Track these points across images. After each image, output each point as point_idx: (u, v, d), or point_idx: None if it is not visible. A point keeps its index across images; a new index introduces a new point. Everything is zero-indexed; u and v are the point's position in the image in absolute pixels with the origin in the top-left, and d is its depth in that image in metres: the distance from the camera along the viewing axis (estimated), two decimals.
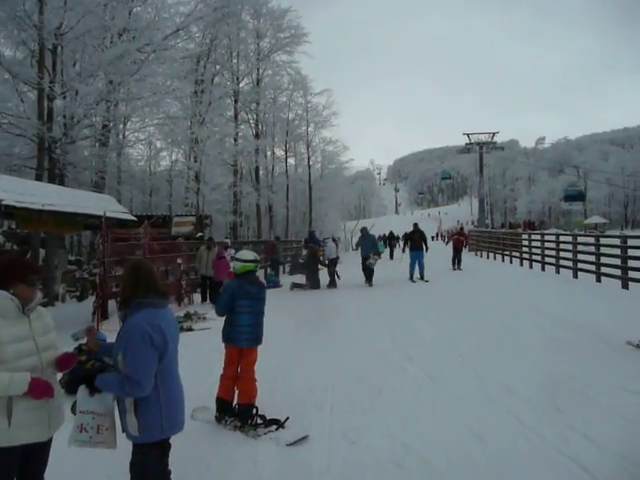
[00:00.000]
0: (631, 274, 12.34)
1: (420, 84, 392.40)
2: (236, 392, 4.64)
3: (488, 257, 27.29)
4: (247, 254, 4.81)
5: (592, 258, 14.68)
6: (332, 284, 15.31)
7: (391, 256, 28.72)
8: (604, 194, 75.27)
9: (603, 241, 15.18)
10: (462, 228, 26.28)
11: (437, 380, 5.58)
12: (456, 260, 19.47)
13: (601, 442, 3.91)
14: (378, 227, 61.01)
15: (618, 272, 12.89)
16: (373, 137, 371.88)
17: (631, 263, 12.46)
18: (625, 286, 12.37)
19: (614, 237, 15.50)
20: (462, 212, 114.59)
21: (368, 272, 15.18)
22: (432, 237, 71.50)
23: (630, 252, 12.65)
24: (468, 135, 51.92)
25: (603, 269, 13.87)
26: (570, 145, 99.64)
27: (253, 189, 30.59)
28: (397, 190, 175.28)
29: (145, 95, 18.98)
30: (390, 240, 32.87)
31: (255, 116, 31.69)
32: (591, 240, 16.11)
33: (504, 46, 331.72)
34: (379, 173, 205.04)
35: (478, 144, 51.09)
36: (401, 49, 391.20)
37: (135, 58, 17.93)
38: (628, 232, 48.38)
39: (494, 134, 51.59)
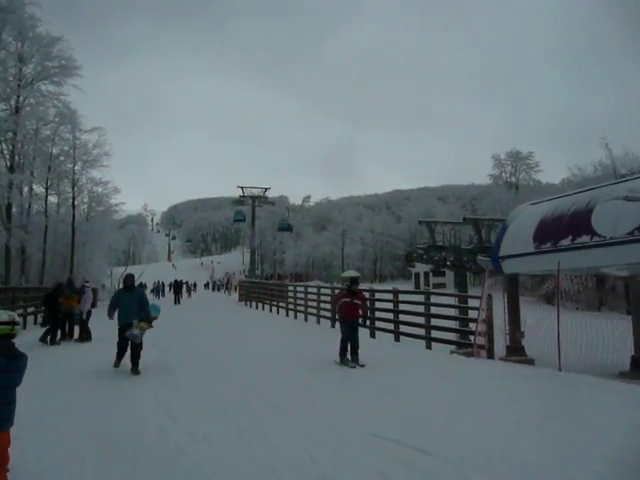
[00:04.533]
0: (377, 324, 14.07)
1: (197, 135, 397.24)
2: None
3: (257, 307, 28.25)
4: (1, 315, 3.93)
5: None
6: (84, 338, 13.83)
7: (177, 301, 34.63)
8: (358, 250, 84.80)
9: None
10: (355, 282, 10.82)
11: (199, 440, 5.45)
12: (348, 345, 9.98)
13: None
14: (148, 275, 58.62)
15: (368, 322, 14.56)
16: (148, 181, 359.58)
17: (378, 314, 14.22)
18: (372, 335, 14.01)
19: (365, 291, 17.50)
20: (234, 262, 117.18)
21: (132, 350, 9.22)
22: (205, 285, 71.85)
23: (377, 304, 14.45)
24: (242, 188, 53.90)
25: None
26: (331, 205, 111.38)
27: (3, 228, 26.82)
28: (173, 237, 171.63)
29: None
30: (175, 287, 37.93)
31: (11, 147, 28.20)
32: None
33: (276, 116, 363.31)
34: (152, 219, 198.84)
35: (251, 197, 53.33)
36: (180, 101, 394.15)
37: None
38: (376, 286, 54.94)
39: (266, 189, 54.52)
